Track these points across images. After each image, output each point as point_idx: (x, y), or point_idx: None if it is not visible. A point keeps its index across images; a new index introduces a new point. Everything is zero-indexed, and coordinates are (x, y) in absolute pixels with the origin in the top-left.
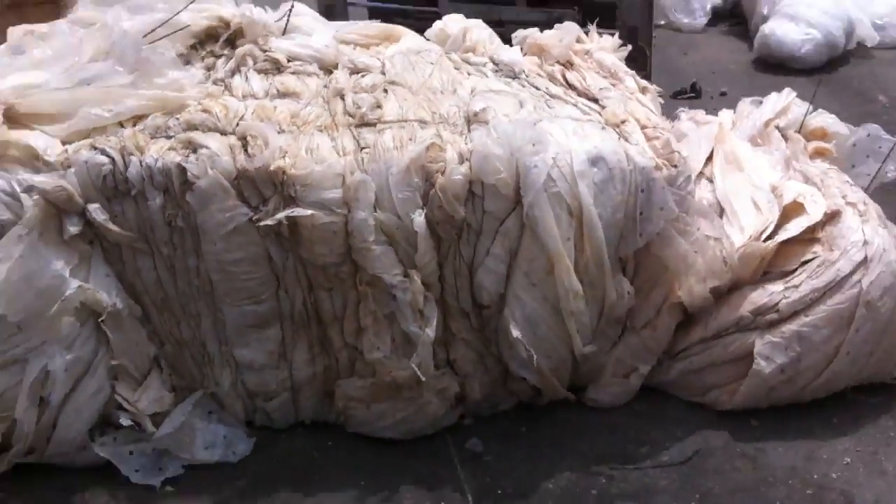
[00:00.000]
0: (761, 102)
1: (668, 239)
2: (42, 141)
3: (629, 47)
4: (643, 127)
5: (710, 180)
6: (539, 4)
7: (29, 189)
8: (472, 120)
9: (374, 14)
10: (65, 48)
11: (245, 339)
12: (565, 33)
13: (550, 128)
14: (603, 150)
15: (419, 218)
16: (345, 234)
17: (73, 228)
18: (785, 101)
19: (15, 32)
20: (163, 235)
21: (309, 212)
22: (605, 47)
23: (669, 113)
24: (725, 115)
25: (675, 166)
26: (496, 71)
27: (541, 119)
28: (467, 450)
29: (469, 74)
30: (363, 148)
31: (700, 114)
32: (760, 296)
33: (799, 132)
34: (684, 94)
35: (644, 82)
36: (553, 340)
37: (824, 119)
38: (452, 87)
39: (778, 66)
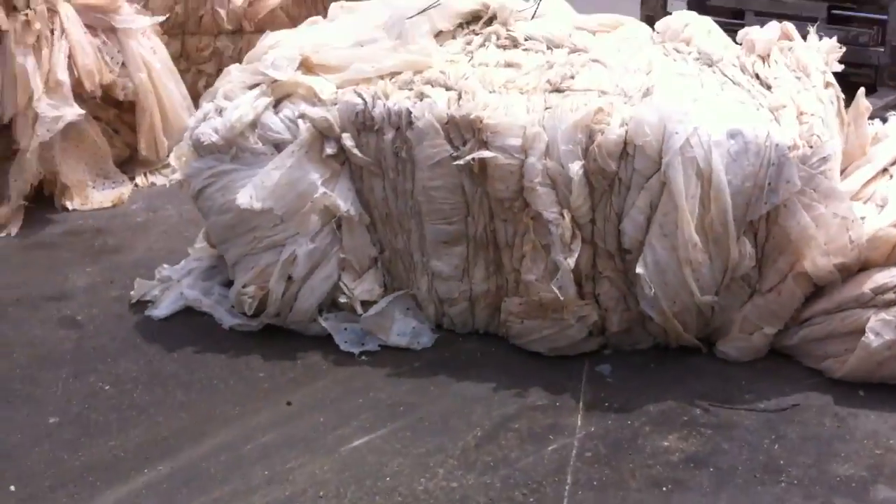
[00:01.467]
0: None
1: (793, 211)
2: (322, 84)
3: (843, 49)
4: (800, 114)
5: (891, 175)
6: (841, 23)
7: (302, 116)
8: (645, 94)
9: None
10: (358, 19)
11: (438, 253)
12: (770, 31)
13: (705, 105)
14: (743, 127)
15: (576, 167)
16: (519, 175)
17: (329, 150)
18: None
19: (334, 7)
20: (391, 163)
21: (492, 154)
22: (814, 47)
23: None
24: None
25: (812, 147)
26: (697, 59)
27: (702, 98)
28: (597, 372)
29: (674, 60)
30: (547, 108)
31: None
32: (883, 276)
33: None
34: None
35: (831, 79)
36: (677, 287)
37: None
38: (648, 67)
39: None
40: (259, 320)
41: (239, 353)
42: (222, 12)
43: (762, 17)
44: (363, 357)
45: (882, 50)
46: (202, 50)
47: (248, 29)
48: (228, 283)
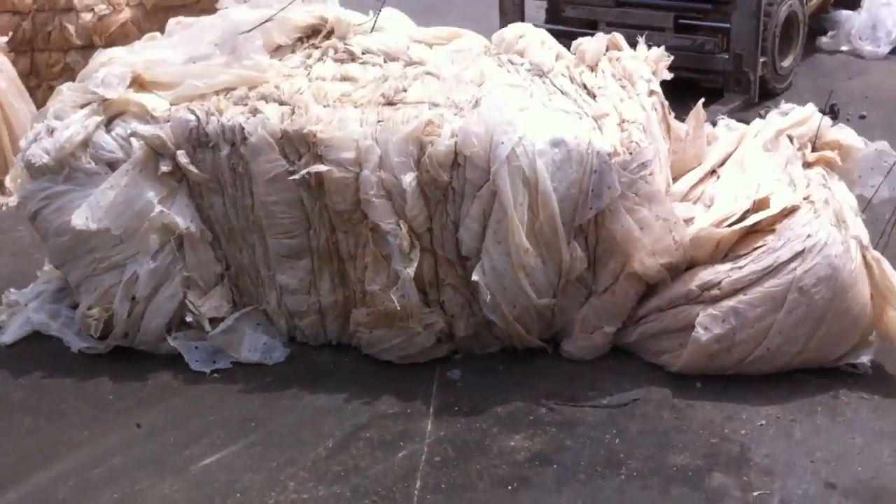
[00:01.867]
0: (786, 114)
1: (616, 214)
2: (154, 102)
3: (671, 58)
4: (622, 121)
5: (719, 176)
6: (688, 31)
7: (134, 134)
8: (475, 105)
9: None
10: (192, 35)
11: (283, 267)
12: (598, 42)
13: (531, 115)
14: (566, 136)
15: (409, 178)
16: (355, 188)
17: (164, 167)
18: (802, 115)
19: (171, 22)
20: (229, 178)
21: (326, 168)
22: (641, 57)
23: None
24: (756, 124)
25: (631, 154)
26: (529, 70)
27: (529, 107)
28: (447, 377)
29: (507, 71)
30: (380, 121)
31: (733, 122)
32: (708, 274)
33: (815, 143)
34: (822, 114)
35: (656, 87)
36: (515, 292)
37: (842, 132)
38: (481, 79)
39: None
40: (107, 342)
41: (88, 376)
42: (71, 28)
43: (613, 27)
44: (215, 375)
45: (726, 57)
46: (52, 66)
47: (99, 44)
48: (76, 306)
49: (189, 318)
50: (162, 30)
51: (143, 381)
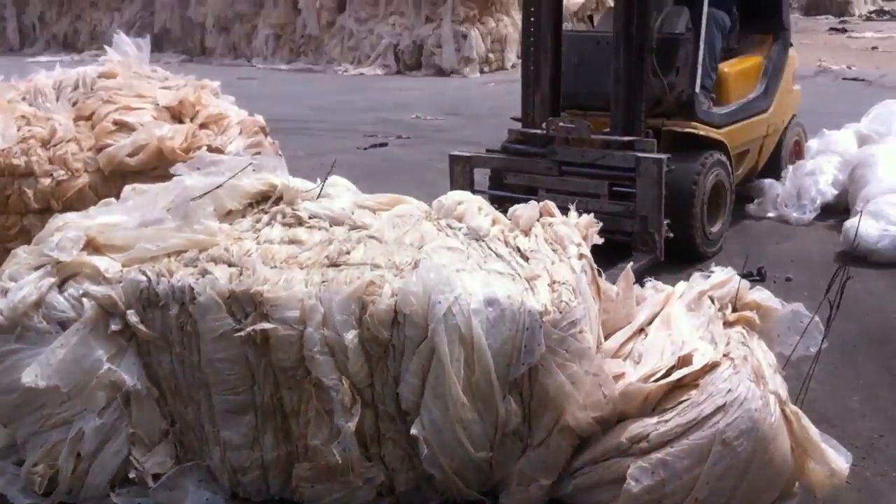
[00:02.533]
0: (708, 277)
1: (548, 370)
2: (106, 263)
3: (599, 224)
4: (553, 282)
5: (646, 334)
6: (621, 198)
7: (86, 294)
8: (414, 266)
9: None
10: (146, 200)
11: (227, 423)
12: (531, 209)
13: (466, 276)
14: (500, 295)
15: (351, 336)
16: (299, 345)
17: (115, 326)
18: (722, 277)
19: (126, 189)
20: (177, 337)
21: (272, 325)
22: (572, 222)
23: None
24: (680, 285)
25: (561, 313)
26: (466, 234)
27: (465, 269)
28: None
29: (446, 235)
30: (324, 281)
31: (659, 283)
32: (637, 427)
33: (735, 304)
34: (750, 277)
35: (585, 251)
36: (454, 445)
37: (759, 294)
38: (421, 242)
39: (860, 259)
40: (51, 499)
41: None
42: (29, 192)
43: (552, 193)
44: None
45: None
46: (9, 228)
47: (56, 208)
48: (21, 463)
49: (132, 475)
50: (118, 195)
51: None
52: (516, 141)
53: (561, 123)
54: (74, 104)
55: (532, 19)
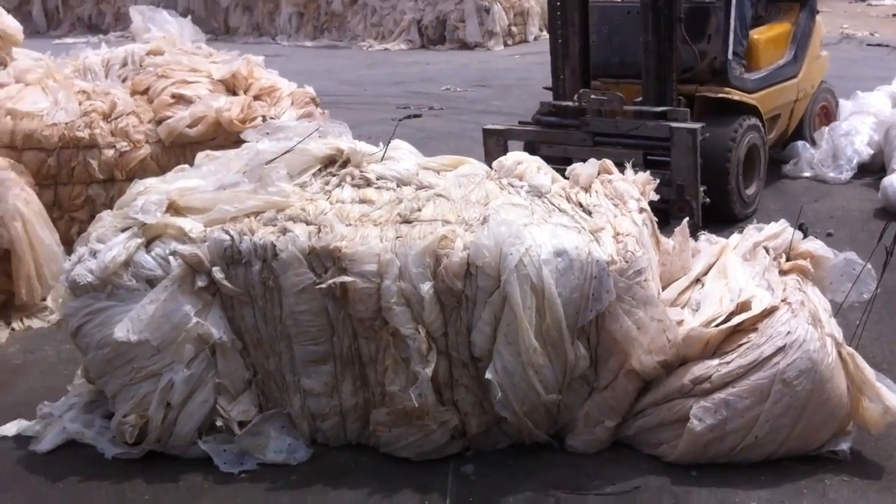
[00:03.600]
0: (761, 229)
1: (615, 316)
2: (190, 224)
3: (657, 181)
4: (616, 234)
5: (703, 284)
6: (657, 167)
7: (174, 253)
8: (483, 222)
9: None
10: (221, 164)
11: (308, 372)
12: (591, 167)
13: (535, 229)
14: (567, 247)
15: (427, 287)
16: (377, 297)
17: (200, 283)
18: (776, 229)
19: (200, 155)
20: (260, 292)
21: (351, 279)
22: (629, 179)
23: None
24: (734, 237)
25: (627, 262)
26: (528, 191)
27: (532, 223)
28: (461, 472)
29: (509, 193)
30: (398, 237)
31: (713, 236)
32: (699, 369)
33: (789, 254)
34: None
35: (645, 206)
36: (525, 388)
37: (812, 244)
38: (486, 200)
39: None
40: (140, 447)
41: (123, 480)
42: (94, 163)
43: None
44: (243, 475)
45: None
46: (75, 198)
47: (120, 178)
48: (109, 415)
49: (219, 423)
50: (177, 164)
51: (175, 482)
52: (548, 113)
53: (593, 96)
54: (124, 80)
55: None
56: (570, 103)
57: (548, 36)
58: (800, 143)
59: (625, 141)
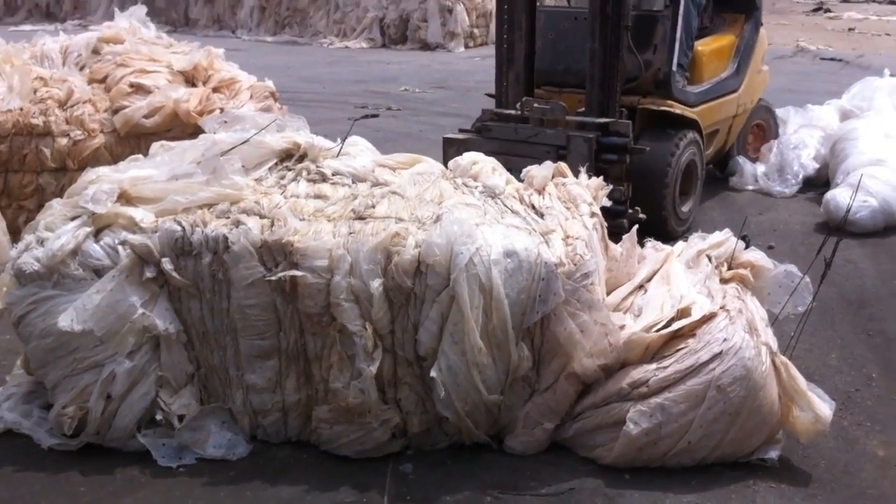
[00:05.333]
0: (705, 238)
1: (560, 318)
2: (141, 214)
3: (610, 187)
4: (566, 237)
5: (646, 290)
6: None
7: (123, 243)
8: (436, 220)
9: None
10: (175, 155)
11: (252, 366)
12: (546, 169)
13: (486, 230)
14: (517, 247)
15: (377, 284)
16: (327, 292)
17: (149, 274)
18: (720, 238)
19: (154, 145)
20: (208, 284)
21: (301, 273)
22: (583, 183)
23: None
24: (679, 245)
25: (575, 265)
26: (482, 192)
27: (484, 223)
28: (400, 470)
29: (462, 193)
30: (351, 233)
31: (658, 243)
32: (638, 373)
33: (731, 263)
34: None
35: (596, 210)
36: (468, 388)
37: (754, 255)
38: (440, 199)
39: (837, 229)
40: (79, 439)
41: (59, 471)
42: (46, 151)
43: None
44: (181, 469)
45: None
46: (25, 186)
47: (72, 167)
48: (48, 406)
49: (159, 416)
50: (132, 155)
51: (112, 475)
52: (490, 120)
53: (536, 104)
54: (81, 68)
55: None
56: (513, 111)
57: None
58: (740, 158)
59: (525, 149)
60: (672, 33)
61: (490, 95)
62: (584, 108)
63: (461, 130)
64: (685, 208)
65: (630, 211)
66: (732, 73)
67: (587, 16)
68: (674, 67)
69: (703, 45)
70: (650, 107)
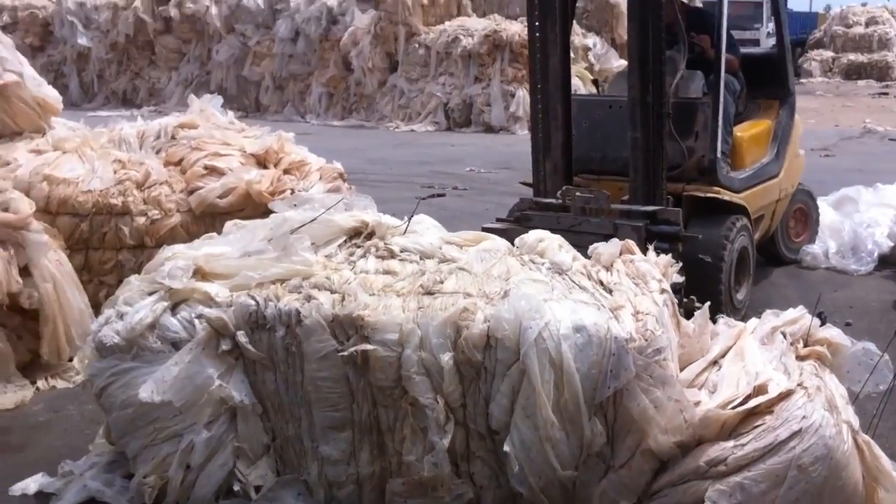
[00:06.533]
0: (779, 315)
1: (632, 394)
2: (216, 289)
3: (679, 264)
4: (636, 312)
5: (720, 366)
6: None
7: (200, 317)
8: (504, 295)
9: None
10: (247, 233)
11: (326, 438)
12: (613, 246)
13: (554, 305)
14: (587, 323)
15: (447, 358)
16: (398, 366)
17: (224, 346)
18: (794, 315)
19: (228, 224)
20: (282, 357)
21: (373, 347)
22: (651, 260)
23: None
24: (752, 322)
25: (646, 340)
26: (549, 268)
27: (552, 299)
28: None
29: (530, 269)
30: (420, 308)
31: (731, 320)
32: (715, 450)
33: (807, 340)
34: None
35: (666, 286)
36: (541, 463)
37: (830, 331)
38: (507, 275)
39: None
40: None
41: None
42: (125, 229)
43: None
44: None
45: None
46: (105, 263)
47: (150, 244)
48: (129, 476)
49: (236, 487)
50: (206, 233)
51: None
52: (529, 209)
53: (578, 193)
54: (157, 152)
55: (539, 85)
56: (553, 200)
57: None
58: (809, 246)
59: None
60: (714, 120)
61: (526, 184)
62: (627, 197)
63: (498, 220)
64: (740, 296)
65: (686, 300)
66: (773, 158)
67: (622, 104)
68: (718, 154)
69: (742, 132)
70: (697, 193)
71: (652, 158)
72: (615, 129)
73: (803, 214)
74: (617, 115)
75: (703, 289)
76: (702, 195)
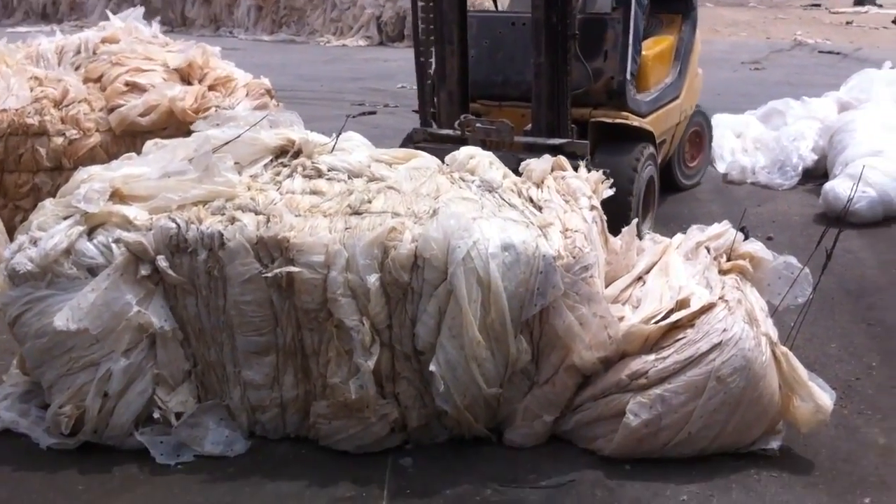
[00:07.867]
0: (704, 230)
1: (558, 311)
2: (134, 212)
3: (610, 180)
4: (565, 230)
5: (645, 282)
6: None
7: (117, 241)
8: (433, 215)
9: None
10: (167, 152)
11: (250, 363)
12: (544, 162)
13: (483, 223)
14: (515, 240)
15: (374, 279)
16: (323, 288)
17: (143, 272)
18: (718, 230)
19: (148, 144)
20: (204, 281)
21: (298, 269)
22: (582, 177)
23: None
24: (678, 237)
25: (574, 258)
26: (479, 186)
27: (481, 217)
28: (399, 464)
29: (459, 187)
30: (347, 228)
31: (657, 236)
32: (637, 364)
33: (730, 254)
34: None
35: (596, 203)
36: (467, 382)
37: (753, 246)
38: (437, 193)
39: (836, 220)
40: (76, 438)
41: (57, 470)
42: (42, 151)
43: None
44: (179, 467)
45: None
46: (21, 186)
47: (68, 166)
48: (45, 406)
49: (156, 414)
50: (127, 153)
51: (110, 473)
52: (423, 141)
53: (479, 124)
54: (77, 68)
55: (432, 4)
56: (450, 132)
57: None
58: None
59: None
60: (624, 38)
61: (416, 111)
62: (530, 126)
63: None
64: (646, 227)
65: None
66: (675, 78)
67: (526, 21)
68: (628, 75)
69: (647, 49)
70: (605, 119)
71: (557, 86)
72: (518, 50)
73: (698, 137)
74: (521, 34)
75: (611, 223)
76: (609, 121)
